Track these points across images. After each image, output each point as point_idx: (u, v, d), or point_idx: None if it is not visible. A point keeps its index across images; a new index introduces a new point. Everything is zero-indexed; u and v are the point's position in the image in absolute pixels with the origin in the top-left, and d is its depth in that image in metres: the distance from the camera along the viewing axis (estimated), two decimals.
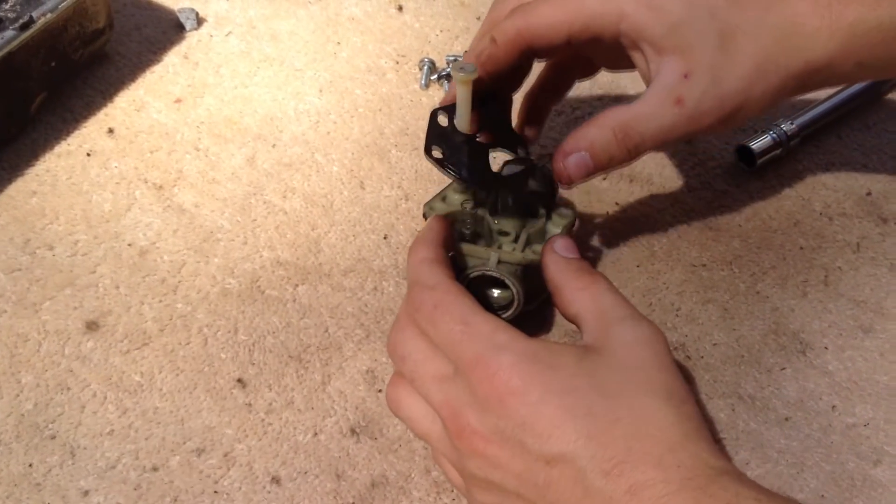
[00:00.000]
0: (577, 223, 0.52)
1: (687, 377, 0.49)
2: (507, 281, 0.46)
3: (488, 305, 0.48)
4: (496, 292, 0.48)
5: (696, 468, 0.35)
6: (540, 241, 0.49)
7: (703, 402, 0.48)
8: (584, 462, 0.35)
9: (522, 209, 0.49)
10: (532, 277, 0.47)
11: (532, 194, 0.50)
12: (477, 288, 0.47)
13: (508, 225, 0.49)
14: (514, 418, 0.37)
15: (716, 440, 0.47)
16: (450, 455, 0.40)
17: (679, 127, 0.45)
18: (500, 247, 0.48)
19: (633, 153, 0.46)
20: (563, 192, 0.58)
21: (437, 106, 0.48)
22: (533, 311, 0.50)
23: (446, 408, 0.39)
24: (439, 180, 0.59)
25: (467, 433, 0.38)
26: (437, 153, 0.47)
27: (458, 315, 0.40)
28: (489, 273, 0.46)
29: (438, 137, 0.47)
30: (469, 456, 0.38)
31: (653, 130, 0.45)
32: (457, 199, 0.50)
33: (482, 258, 0.47)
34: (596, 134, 0.46)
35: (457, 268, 0.47)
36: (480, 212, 0.49)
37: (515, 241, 0.48)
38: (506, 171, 0.48)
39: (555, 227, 0.49)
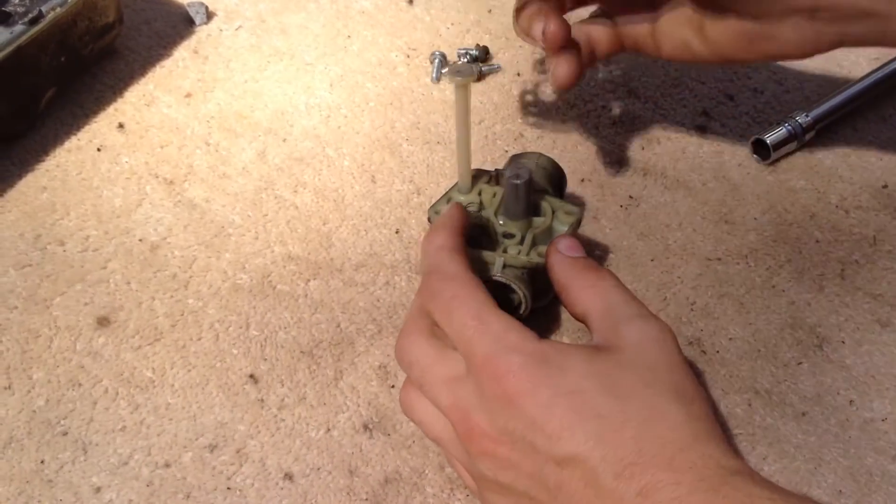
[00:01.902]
0: (582, 220, 0.51)
1: (702, 372, 0.49)
2: (513, 285, 0.46)
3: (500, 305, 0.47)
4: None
5: (707, 469, 0.34)
6: (546, 240, 0.48)
7: (719, 398, 0.48)
8: (595, 464, 0.35)
9: (529, 209, 0.48)
10: (540, 278, 0.47)
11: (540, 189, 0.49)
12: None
13: (514, 227, 0.48)
14: (524, 419, 0.36)
15: (732, 435, 0.46)
16: (461, 458, 0.40)
17: None
18: (505, 250, 0.47)
19: None
20: (573, 188, 0.57)
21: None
22: (544, 307, 0.50)
23: (455, 410, 0.39)
24: (451, 174, 0.58)
25: (476, 435, 0.38)
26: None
27: (473, 310, 0.39)
28: (495, 278, 0.46)
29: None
30: (479, 458, 0.38)
31: None
32: (462, 201, 0.49)
33: (488, 263, 0.47)
34: None
35: None
36: (485, 214, 0.48)
37: (521, 242, 0.48)
38: (509, 172, 0.47)
39: (561, 225, 0.48)
